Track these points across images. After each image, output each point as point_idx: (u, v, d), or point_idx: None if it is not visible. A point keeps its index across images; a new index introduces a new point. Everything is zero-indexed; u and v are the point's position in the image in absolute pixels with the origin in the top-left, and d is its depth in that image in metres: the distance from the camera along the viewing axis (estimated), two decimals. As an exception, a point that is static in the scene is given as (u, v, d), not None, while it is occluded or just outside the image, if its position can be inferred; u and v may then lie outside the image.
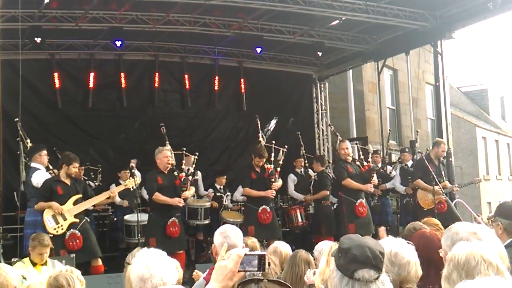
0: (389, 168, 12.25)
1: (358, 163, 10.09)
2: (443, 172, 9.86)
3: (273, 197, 9.62)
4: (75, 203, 7.95)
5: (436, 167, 9.76)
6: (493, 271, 2.51)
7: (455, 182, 10.88)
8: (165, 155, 8.45)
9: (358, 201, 9.61)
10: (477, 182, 11.40)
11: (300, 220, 10.92)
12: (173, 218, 8.42)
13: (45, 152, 8.64)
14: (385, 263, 2.78)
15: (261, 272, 2.32)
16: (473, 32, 69.09)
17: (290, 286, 2.17)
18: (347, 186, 9.63)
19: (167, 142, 9.17)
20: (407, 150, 11.73)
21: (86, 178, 10.50)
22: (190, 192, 8.87)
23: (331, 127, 11.05)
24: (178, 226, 8.47)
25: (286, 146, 10.34)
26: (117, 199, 10.19)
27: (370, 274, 2.29)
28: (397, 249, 2.89)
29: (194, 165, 9.71)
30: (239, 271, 2.32)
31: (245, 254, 2.34)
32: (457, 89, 29.60)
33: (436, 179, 9.29)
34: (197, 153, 9.98)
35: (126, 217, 9.98)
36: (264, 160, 9.28)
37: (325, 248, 4.24)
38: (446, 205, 9.53)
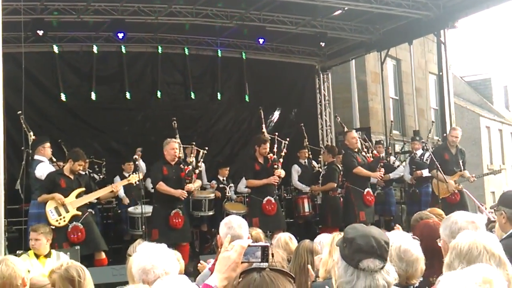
0: (392, 158, 12.22)
1: (364, 153, 10.09)
2: (460, 161, 9.59)
3: (276, 184, 9.57)
4: (78, 196, 7.98)
5: (453, 156, 9.59)
6: (495, 262, 2.50)
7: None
8: (172, 147, 8.47)
9: (366, 190, 9.64)
10: (497, 172, 11.20)
11: (307, 210, 10.92)
12: (176, 209, 8.43)
13: (48, 144, 8.66)
14: (393, 258, 2.78)
15: (264, 263, 2.32)
16: (477, 21, 68.68)
17: (293, 275, 2.17)
18: (357, 174, 9.60)
19: (177, 136, 9.20)
20: (417, 138, 11.59)
21: (90, 171, 10.51)
22: (194, 185, 8.87)
23: (338, 118, 11.03)
24: (182, 217, 8.47)
25: (288, 139, 10.32)
26: (121, 193, 10.17)
27: (375, 263, 2.29)
28: (407, 245, 2.87)
29: (201, 159, 9.73)
30: (242, 262, 2.32)
31: (249, 245, 2.35)
32: (460, 79, 29.49)
33: (439, 168, 9.19)
34: (206, 148, 10.01)
35: (130, 209, 10.02)
36: (268, 145, 9.26)
37: (324, 240, 4.25)
38: (459, 195, 9.42)
